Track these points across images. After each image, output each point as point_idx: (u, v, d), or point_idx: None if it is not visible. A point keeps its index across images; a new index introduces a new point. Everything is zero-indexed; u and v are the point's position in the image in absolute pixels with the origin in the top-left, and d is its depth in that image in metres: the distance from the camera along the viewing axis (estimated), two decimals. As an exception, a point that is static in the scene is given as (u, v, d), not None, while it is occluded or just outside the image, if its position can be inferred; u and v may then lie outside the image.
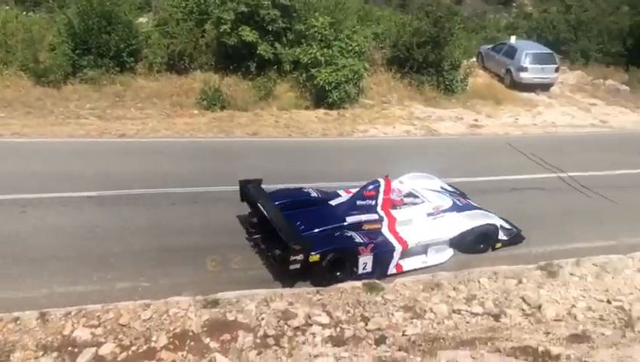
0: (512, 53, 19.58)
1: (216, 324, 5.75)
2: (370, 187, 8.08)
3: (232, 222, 8.72)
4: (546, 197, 10.86)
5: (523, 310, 6.98)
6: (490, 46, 21.25)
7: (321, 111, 15.36)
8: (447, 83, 17.60)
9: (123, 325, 5.70)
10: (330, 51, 15.41)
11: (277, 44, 15.97)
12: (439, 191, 9.33)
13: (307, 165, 11.58)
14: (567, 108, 18.17)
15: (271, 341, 5.60)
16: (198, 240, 8.12)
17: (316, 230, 7.48)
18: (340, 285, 7.13)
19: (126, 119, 13.75)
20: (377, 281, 7.26)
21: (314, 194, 8.53)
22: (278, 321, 5.97)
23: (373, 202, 8.02)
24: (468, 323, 6.53)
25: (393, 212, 8.13)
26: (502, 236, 8.78)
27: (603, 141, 15.45)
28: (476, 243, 8.62)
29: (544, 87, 19.32)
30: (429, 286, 7.43)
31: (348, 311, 6.43)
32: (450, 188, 9.74)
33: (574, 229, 9.55)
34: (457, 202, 8.94)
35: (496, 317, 6.68)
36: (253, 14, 15.41)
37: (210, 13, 16.31)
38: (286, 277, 7.07)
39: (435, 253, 8.26)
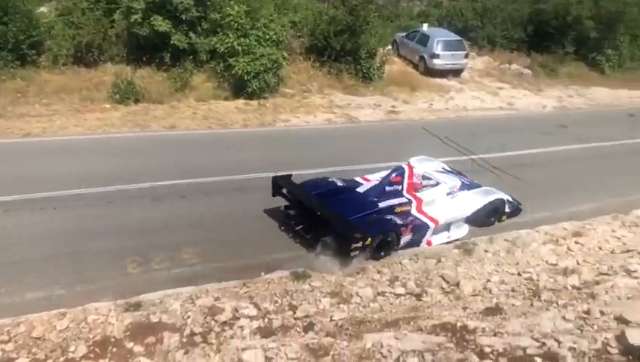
0: (424, 40, 20.25)
1: (139, 328, 5.57)
2: (396, 173, 8.89)
3: (151, 219, 8.47)
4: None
5: (443, 288, 7.32)
6: (404, 34, 21.85)
7: (241, 101, 15.17)
8: (364, 71, 17.93)
9: (37, 338, 5.38)
10: (248, 40, 15.19)
11: (191, 34, 15.55)
12: (444, 172, 10.05)
13: (228, 157, 11.45)
14: (476, 93, 19.11)
15: (198, 338, 5.50)
16: (117, 241, 7.80)
17: (356, 215, 8.00)
18: (267, 276, 7.17)
19: (30, 117, 12.86)
20: (304, 270, 7.35)
21: (339, 183, 9.04)
22: (205, 318, 5.88)
23: (400, 187, 8.77)
24: (392, 304, 6.76)
25: (418, 194, 8.85)
26: (507, 209, 9.62)
27: (510, 123, 16.42)
28: (487, 218, 9.42)
29: (455, 72, 20.20)
30: (354, 271, 7.62)
31: (276, 301, 6.46)
32: (449, 168, 10.39)
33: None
34: (464, 181, 9.79)
35: (418, 297, 6.97)
36: (165, 3, 14.88)
37: (118, 2, 15.53)
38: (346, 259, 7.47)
39: (456, 229, 9.09)
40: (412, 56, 20.85)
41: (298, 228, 8.40)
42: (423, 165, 10.09)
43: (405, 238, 8.25)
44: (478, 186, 9.84)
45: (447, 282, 7.44)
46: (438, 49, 19.69)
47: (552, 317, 4.90)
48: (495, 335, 4.66)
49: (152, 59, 15.67)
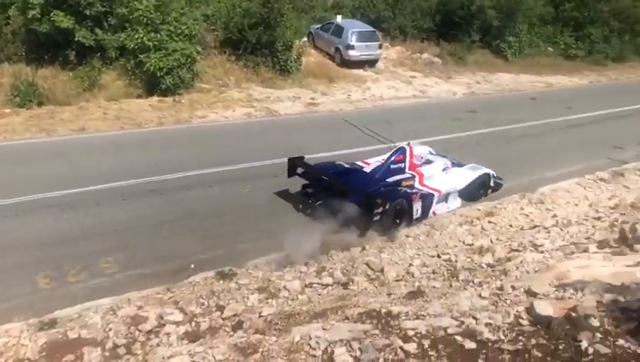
0: (339, 32, 20.52)
1: (56, 346, 5.26)
2: (398, 153, 9.77)
3: (64, 230, 8.00)
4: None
5: (368, 275, 7.50)
6: (319, 26, 22.02)
7: (155, 99, 14.65)
8: (281, 64, 17.89)
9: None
10: (159, 35, 14.67)
11: (98, 30, 14.75)
12: (433, 155, 11.03)
13: (143, 158, 11.03)
14: (391, 82, 19.67)
15: (122, 350, 5.29)
16: (26, 256, 7.30)
17: (370, 189, 8.88)
18: (191, 278, 7.02)
19: None
20: (231, 269, 7.26)
21: (346, 165, 10.00)
22: (128, 328, 5.66)
23: (403, 165, 9.73)
24: (320, 295, 6.84)
25: (419, 170, 9.92)
26: (492, 183, 10.68)
27: (424, 110, 17.04)
28: (477, 191, 10.47)
29: (370, 63, 20.66)
30: (281, 265, 7.64)
31: (202, 304, 6.33)
32: (434, 152, 11.22)
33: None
34: (452, 161, 10.74)
35: (345, 286, 7.10)
36: (66, -3, 14.01)
37: (13, -4, 14.47)
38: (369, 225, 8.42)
39: (453, 200, 10.12)
40: (328, 47, 21.06)
41: (318, 203, 9.13)
42: (415, 149, 10.70)
43: (416, 206, 9.23)
44: (466, 164, 10.83)
45: (372, 269, 7.63)
46: (352, 40, 20.03)
47: (470, 296, 5.17)
48: (418, 318, 4.84)
49: (55, 57, 14.75)
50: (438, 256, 8.17)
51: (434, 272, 7.37)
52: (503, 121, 15.68)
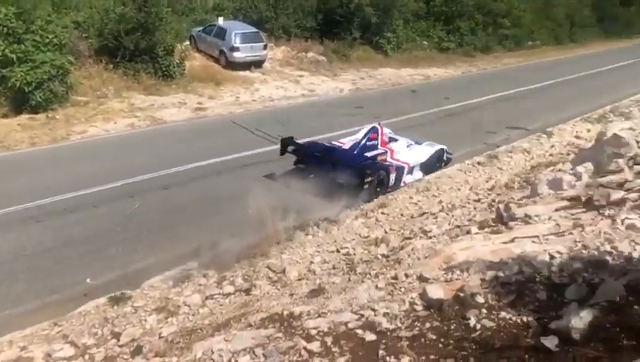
0: (222, 34, 20.23)
1: None
2: (372, 131, 11.27)
3: None
4: (275, 169, 11.56)
5: (270, 278, 7.47)
6: (200, 28, 21.54)
7: (25, 117, 13.44)
8: (164, 69, 17.27)
9: None
10: (23, 46, 13.49)
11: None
12: (393, 134, 12.25)
13: (16, 183, 10.07)
14: (279, 82, 19.79)
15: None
16: None
17: (355, 162, 10.49)
18: (81, 308, 6.53)
19: None
20: (123, 292, 6.87)
21: (327, 145, 11.58)
22: (11, 373, 5.15)
23: (376, 142, 11.26)
24: (222, 305, 6.69)
25: (389, 146, 11.44)
26: (445, 157, 12.31)
27: (313, 108, 17.33)
28: (435, 163, 12.02)
29: (257, 64, 20.61)
30: (179, 280, 7.38)
31: (95, 334, 5.92)
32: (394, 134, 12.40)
33: (308, 194, 10.11)
34: (411, 139, 12.24)
35: (248, 292, 7.01)
36: None
37: None
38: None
39: (417, 172, 11.62)
40: (212, 50, 20.68)
41: (311, 176, 10.38)
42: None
43: (392, 176, 10.78)
44: (423, 143, 12.35)
45: (274, 271, 7.61)
46: (236, 42, 19.86)
47: (367, 288, 5.31)
48: (319, 316, 4.89)
49: None
50: (338, 251, 8.34)
51: (334, 267, 7.50)
52: (388, 114, 16.35)
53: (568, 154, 10.72)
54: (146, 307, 6.53)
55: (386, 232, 9.10)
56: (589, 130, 14.44)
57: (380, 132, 11.43)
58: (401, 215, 10.15)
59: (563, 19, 36.14)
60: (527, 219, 6.32)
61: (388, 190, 10.69)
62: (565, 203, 6.44)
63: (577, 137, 14.21)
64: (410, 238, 8.17)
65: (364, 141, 11.17)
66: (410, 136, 12.36)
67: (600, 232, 5.13)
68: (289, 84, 19.84)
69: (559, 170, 8.78)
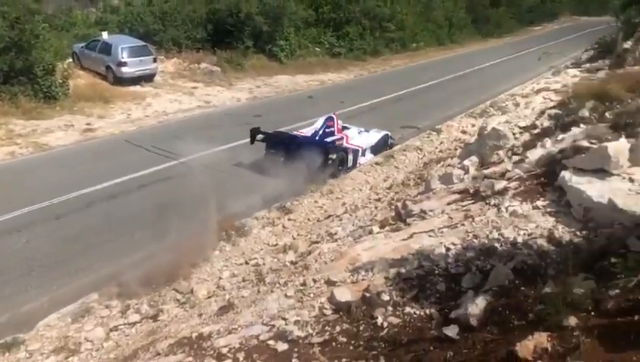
0: (107, 49, 19.26)
1: None
2: (329, 120, 13.08)
3: None
4: (174, 186, 11.26)
5: (178, 300, 7.24)
6: (83, 44, 20.35)
7: None
8: (45, 90, 16.07)
9: None
10: None
11: None
12: (345, 124, 13.94)
13: None
14: (173, 95, 19.20)
15: None
16: None
17: (321, 144, 12.31)
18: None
19: None
20: (15, 337, 6.30)
21: (291, 133, 13.28)
22: None
23: (334, 129, 13.02)
24: (128, 336, 6.39)
25: (344, 133, 13.27)
26: (390, 141, 14.21)
27: (211, 120, 17.01)
28: (383, 147, 13.84)
29: (147, 78, 19.85)
30: (79, 315, 6.91)
31: (-15, 387, 5.39)
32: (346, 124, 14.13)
33: (207, 207, 9.69)
34: (360, 127, 14.13)
35: (155, 318, 6.75)
36: None
37: None
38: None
39: (368, 154, 13.37)
40: (97, 67, 19.62)
41: (282, 160, 11.83)
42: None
43: (350, 157, 12.56)
44: (371, 130, 14.17)
45: (181, 292, 7.38)
46: (124, 57, 18.99)
47: (277, 298, 5.32)
48: (230, 332, 4.81)
49: None
50: (246, 263, 8.27)
51: (244, 280, 7.43)
52: (288, 120, 16.46)
53: (456, 150, 11.44)
54: (42, 349, 6.06)
55: (294, 238, 9.18)
56: (473, 125, 15.49)
57: (335, 121, 13.25)
58: (308, 219, 10.28)
59: (442, 22, 38.57)
60: (423, 215, 6.66)
61: (348, 168, 12.57)
62: (456, 196, 6.87)
63: (464, 132, 15.17)
64: (317, 242, 8.30)
65: (323, 129, 12.89)
66: (359, 125, 14.44)
67: (488, 221, 5.52)
68: (183, 96, 19.32)
69: (449, 165, 9.37)
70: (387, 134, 14.27)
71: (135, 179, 11.37)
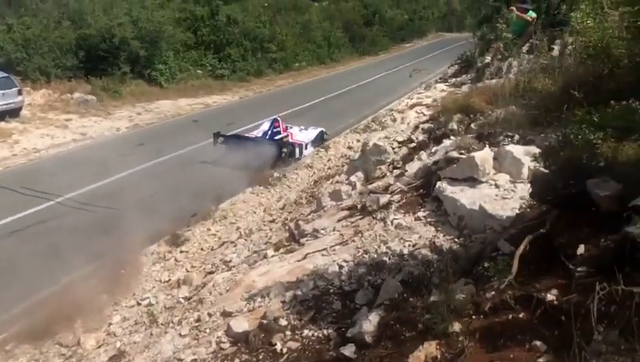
0: (-41, 84, 17.38)
1: None
2: (275, 122, 15.43)
3: None
4: (51, 229, 10.36)
5: (63, 355, 6.65)
6: None
7: None
8: None
9: None
10: None
11: None
12: (288, 125, 16.39)
13: None
14: (44, 130, 17.71)
15: None
16: None
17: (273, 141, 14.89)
18: None
19: None
20: None
21: (244, 135, 15.97)
22: None
23: (280, 129, 15.37)
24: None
25: (288, 131, 15.77)
26: (325, 136, 16.62)
27: (88, 153, 15.93)
28: (320, 141, 16.19)
29: (12, 113, 18.09)
30: None
31: None
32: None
33: (91, 249, 9.15)
34: (300, 126, 16.73)
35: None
36: None
37: None
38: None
39: (310, 147, 15.59)
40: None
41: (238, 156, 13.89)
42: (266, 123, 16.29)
43: (297, 150, 14.89)
44: (310, 127, 16.83)
45: (66, 346, 6.79)
46: (-20, 90, 17.26)
47: (171, 339, 5.09)
48: (123, 384, 4.52)
49: None
50: (138, 304, 7.81)
51: (136, 323, 7.01)
52: (173, 147, 16.00)
53: (343, 166, 11.80)
54: None
55: (187, 271, 8.85)
56: (358, 140, 16.11)
57: (280, 122, 15.77)
58: (201, 249, 9.99)
59: (321, 41, 39.86)
60: (315, 234, 6.77)
61: (296, 159, 14.84)
62: (345, 212, 7.08)
63: (349, 148, 15.71)
64: (212, 272, 8.09)
65: (270, 129, 15.31)
66: (298, 124, 16.91)
67: (376, 235, 5.75)
68: (56, 130, 17.91)
69: (337, 182, 9.64)
70: (322, 130, 16.90)
71: (5, 225, 10.33)
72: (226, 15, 30.29)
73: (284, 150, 14.59)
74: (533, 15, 10.45)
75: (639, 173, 3.18)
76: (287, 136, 15.58)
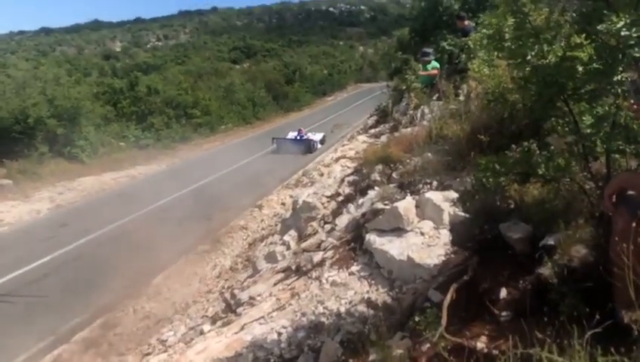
0: None
1: None
2: (299, 131, 27.42)
3: None
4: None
5: None
6: None
7: None
8: None
9: None
10: None
11: None
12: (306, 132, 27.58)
13: None
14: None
15: None
16: None
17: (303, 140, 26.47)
18: None
19: None
20: None
21: (287, 137, 27.49)
22: None
23: (303, 133, 27.12)
24: None
25: (308, 135, 27.06)
26: (324, 139, 27.09)
27: (4, 242, 14.91)
28: (323, 142, 26.54)
29: None
30: None
31: None
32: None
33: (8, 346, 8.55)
34: (312, 132, 28.01)
35: None
36: None
37: None
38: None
39: (319, 144, 26.22)
40: None
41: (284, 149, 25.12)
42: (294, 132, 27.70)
43: (314, 144, 25.86)
44: (316, 133, 27.91)
45: None
46: None
47: None
48: None
49: None
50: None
51: None
52: (98, 226, 15.30)
53: (276, 225, 11.72)
54: None
55: (122, 355, 8.32)
56: (291, 196, 16.15)
57: (303, 130, 27.38)
58: (136, 329, 9.46)
59: (245, 102, 40.50)
60: (252, 301, 6.60)
61: (315, 149, 25.40)
62: (281, 275, 6.98)
63: (283, 204, 15.70)
64: (149, 354, 7.65)
65: (300, 135, 26.83)
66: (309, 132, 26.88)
67: (312, 296, 5.67)
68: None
69: (271, 243, 9.54)
70: (324, 135, 27.77)
71: None
72: (146, 85, 30.20)
73: (310, 142, 26.01)
74: (437, 65, 11.15)
75: (545, 213, 3.37)
76: (308, 137, 26.73)
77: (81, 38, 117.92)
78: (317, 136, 26.92)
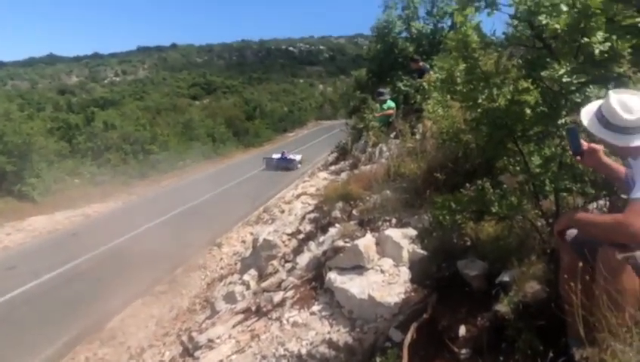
0: None
1: None
2: (283, 153, 33.99)
3: None
4: None
5: None
6: None
7: None
8: None
9: None
10: None
11: None
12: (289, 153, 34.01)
13: None
14: None
15: None
16: None
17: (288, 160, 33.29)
18: None
19: None
20: None
21: (275, 156, 34.17)
22: None
23: (286, 155, 33.56)
24: None
25: (290, 155, 33.55)
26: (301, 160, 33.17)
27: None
28: (300, 162, 32.30)
29: None
30: None
31: None
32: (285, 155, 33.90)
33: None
34: (293, 153, 34.63)
35: None
36: None
37: None
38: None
39: (299, 164, 32.00)
40: None
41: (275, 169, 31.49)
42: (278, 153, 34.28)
43: (296, 163, 32.12)
44: (296, 154, 33.98)
45: None
46: None
47: None
48: None
49: None
50: None
51: None
52: (47, 269, 14.62)
53: (236, 264, 11.53)
54: None
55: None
56: (251, 233, 15.91)
57: (286, 152, 33.47)
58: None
59: (205, 138, 40.31)
60: (210, 344, 6.41)
61: (297, 167, 30.89)
62: (240, 316, 6.82)
63: (243, 242, 15.46)
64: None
65: (284, 156, 32.75)
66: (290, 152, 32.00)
67: (273, 337, 5.56)
68: None
69: (230, 283, 9.35)
70: (302, 156, 33.00)
71: None
72: (102, 121, 29.69)
73: (293, 162, 31.64)
74: (392, 105, 11.44)
75: (500, 251, 3.46)
76: (290, 157, 32.42)
77: (35, 72, 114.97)
78: (297, 157, 32.86)
